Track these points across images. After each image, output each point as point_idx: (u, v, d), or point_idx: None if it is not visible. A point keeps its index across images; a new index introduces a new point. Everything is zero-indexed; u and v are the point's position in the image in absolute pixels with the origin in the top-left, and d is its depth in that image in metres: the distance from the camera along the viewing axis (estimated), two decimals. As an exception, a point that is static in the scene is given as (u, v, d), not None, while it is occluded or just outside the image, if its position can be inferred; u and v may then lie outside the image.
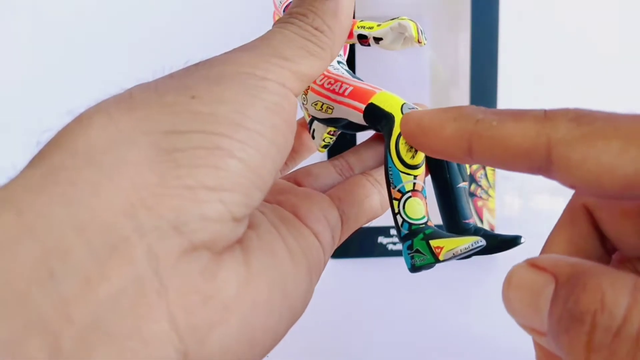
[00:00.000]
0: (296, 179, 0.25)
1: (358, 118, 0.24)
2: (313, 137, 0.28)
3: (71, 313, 0.14)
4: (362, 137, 0.48)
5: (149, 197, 0.15)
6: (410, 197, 0.21)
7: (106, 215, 0.15)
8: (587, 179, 0.15)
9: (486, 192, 0.51)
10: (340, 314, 0.43)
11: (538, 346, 0.19)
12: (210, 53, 0.20)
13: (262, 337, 0.17)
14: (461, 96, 0.51)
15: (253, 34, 0.21)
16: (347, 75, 0.25)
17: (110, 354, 0.14)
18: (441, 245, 0.20)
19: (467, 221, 0.23)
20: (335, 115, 0.25)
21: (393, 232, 0.51)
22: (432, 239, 0.20)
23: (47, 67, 0.54)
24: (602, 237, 0.19)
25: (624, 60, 0.57)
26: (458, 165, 0.24)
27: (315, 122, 0.27)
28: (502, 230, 0.50)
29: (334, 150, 0.30)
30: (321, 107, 0.25)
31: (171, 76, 0.18)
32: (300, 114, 0.28)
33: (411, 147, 0.21)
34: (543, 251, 0.20)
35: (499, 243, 0.22)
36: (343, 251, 0.49)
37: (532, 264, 0.15)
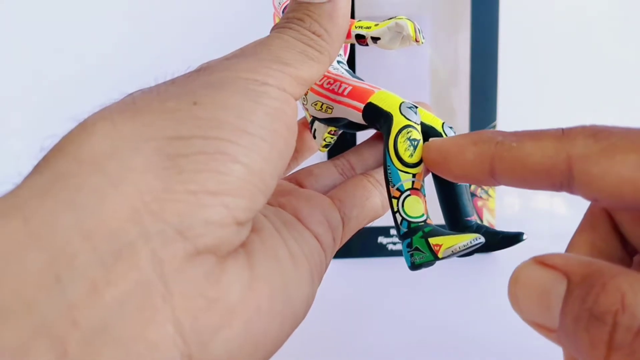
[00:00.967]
0: (298, 180, 0.25)
1: (357, 117, 0.24)
2: (314, 137, 0.28)
3: (77, 318, 0.14)
4: (362, 136, 0.48)
5: (153, 202, 0.15)
6: (409, 195, 0.21)
7: (111, 221, 0.15)
8: (608, 192, 0.16)
9: (486, 192, 0.52)
10: (340, 314, 0.43)
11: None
12: (212, 58, 0.21)
13: (264, 341, 0.17)
14: (461, 96, 0.51)
15: (253, 38, 0.21)
16: (346, 75, 0.26)
17: (116, 358, 0.14)
18: (440, 243, 0.20)
19: (468, 219, 0.23)
20: (335, 115, 0.25)
21: (393, 232, 0.51)
22: (431, 236, 0.20)
23: (50, 73, 0.54)
24: (623, 240, 0.19)
25: (624, 60, 0.57)
26: None
27: (316, 122, 0.27)
28: (502, 229, 0.50)
29: (335, 150, 0.30)
30: (321, 107, 0.25)
31: (173, 82, 0.18)
32: (302, 114, 0.28)
33: (410, 146, 0.21)
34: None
35: (500, 240, 0.22)
36: (343, 251, 0.49)
37: (540, 261, 0.16)
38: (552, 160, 0.17)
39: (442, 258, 0.20)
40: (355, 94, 0.24)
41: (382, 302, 0.45)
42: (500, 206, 0.54)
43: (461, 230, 0.23)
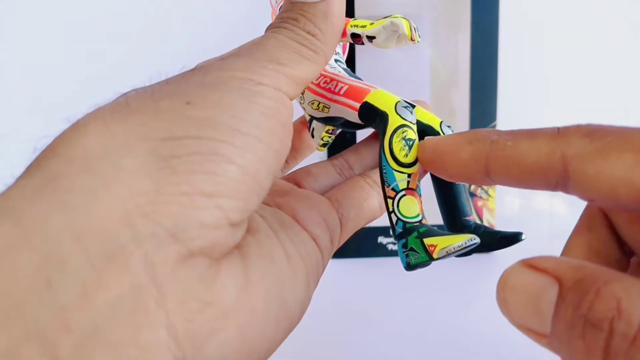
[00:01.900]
0: (295, 179, 0.25)
1: (354, 117, 0.24)
2: (313, 136, 0.28)
3: (69, 321, 0.14)
4: (362, 135, 0.48)
5: (145, 204, 0.15)
6: (404, 195, 0.21)
7: (103, 223, 0.15)
8: (603, 192, 0.16)
9: (486, 192, 0.51)
10: (340, 314, 0.43)
11: None
12: (207, 57, 0.20)
13: (259, 345, 0.17)
14: (461, 96, 0.50)
15: (251, 37, 0.21)
16: (344, 74, 0.25)
17: None
18: (435, 244, 0.20)
19: (467, 218, 0.23)
20: (331, 114, 0.25)
21: (390, 228, 0.51)
22: (425, 237, 0.20)
23: (45, 74, 0.54)
24: (620, 241, 0.19)
25: (624, 60, 0.57)
26: None
27: (314, 121, 0.27)
28: (501, 229, 0.50)
29: (335, 149, 0.30)
30: (318, 106, 0.25)
31: (167, 82, 0.18)
32: (301, 112, 0.28)
33: (405, 145, 0.21)
34: (562, 256, 0.20)
35: (499, 240, 0.22)
36: (343, 251, 0.49)
37: (529, 264, 0.16)
38: (547, 160, 0.16)
39: (437, 259, 0.20)
40: (352, 93, 0.24)
41: (381, 302, 0.45)
42: (500, 206, 0.54)
43: (459, 230, 0.23)
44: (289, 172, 0.26)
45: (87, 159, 0.15)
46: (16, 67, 0.55)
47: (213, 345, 0.16)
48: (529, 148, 0.17)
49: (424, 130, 0.23)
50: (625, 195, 0.15)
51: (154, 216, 0.15)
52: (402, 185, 0.21)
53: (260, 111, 0.18)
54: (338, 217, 0.23)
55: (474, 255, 0.21)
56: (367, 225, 0.25)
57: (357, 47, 0.49)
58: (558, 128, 0.17)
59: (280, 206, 0.21)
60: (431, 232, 0.20)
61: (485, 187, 0.52)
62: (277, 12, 0.26)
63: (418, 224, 0.21)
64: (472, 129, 0.19)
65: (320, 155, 0.49)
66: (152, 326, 0.15)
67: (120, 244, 0.15)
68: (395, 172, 0.21)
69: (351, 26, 0.23)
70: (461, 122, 0.51)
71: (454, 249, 0.19)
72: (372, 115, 0.23)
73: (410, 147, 0.21)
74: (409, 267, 0.21)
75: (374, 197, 0.24)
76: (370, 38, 0.23)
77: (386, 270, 0.49)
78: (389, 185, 0.21)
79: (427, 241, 0.20)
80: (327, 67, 0.26)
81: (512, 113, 0.52)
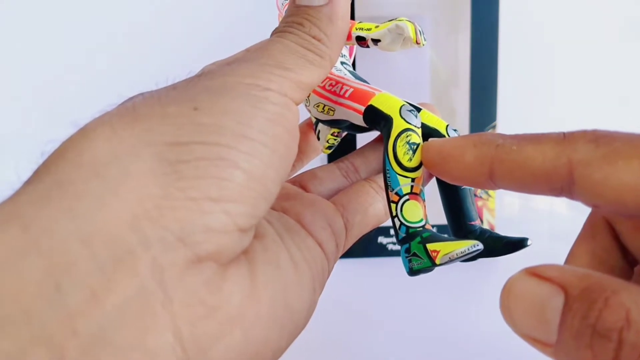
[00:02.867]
0: (301, 183, 0.25)
1: (358, 120, 0.24)
2: (318, 138, 0.28)
3: (76, 325, 0.14)
4: (361, 137, 0.48)
5: (153, 209, 0.15)
6: (407, 200, 0.21)
7: (111, 228, 0.15)
8: (609, 199, 0.16)
9: (486, 192, 0.52)
10: (340, 314, 0.43)
11: None
12: (210, 58, 0.20)
13: (264, 351, 0.17)
14: (461, 96, 0.50)
15: (257, 40, 0.21)
16: (349, 76, 0.25)
17: None
18: (438, 249, 0.20)
19: (472, 223, 0.23)
20: (336, 117, 0.25)
21: (393, 232, 0.51)
22: (429, 242, 0.20)
23: (51, 78, 0.54)
24: (624, 250, 0.19)
25: (624, 60, 0.57)
26: None
27: (320, 123, 0.27)
28: (501, 230, 0.50)
29: (335, 151, 0.30)
30: (323, 108, 0.25)
31: (174, 87, 0.18)
32: (307, 115, 0.28)
33: (409, 150, 0.21)
34: (566, 264, 0.20)
35: (504, 245, 0.22)
36: (343, 251, 0.49)
37: (534, 273, 0.15)
38: (553, 165, 0.16)
39: (440, 264, 0.20)
40: (357, 96, 0.24)
41: (382, 302, 0.45)
42: (500, 206, 0.54)
43: (465, 235, 0.23)
44: (295, 174, 0.26)
45: (95, 164, 0.15)
46: (16, 67, 0.55)
47: (218, 350, 0.16)
48: (534, 152, 0.17)
49: (430, 134, 0.23)
50: (632, 202, 0.15)
51: (161, 221, 0.15)
52: (406, 189, 0.21)
53: (266, 117, 0.18)
54: (343, 222, 0.23)
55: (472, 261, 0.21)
56: (369, 227, 0.25)
57: (357, 49, 0.49)
58: (564, 133, 0.17)
59: (285, 210, 0.21)
60: (434, 237, 0.20)
61: (485, 187, 0.52)
62: (283, 13, 0.26)
63: (421, 229, 0.21)
64: (477, 132, 0.19)
65: (321, 157, 0.49)
66: (158, 330, 0.15)
67: (128, 248, 0.15)
68: (398, 177, 0.21)
69: (356, 29, 0.23)
70: (461, 122, 0.51)
71: (457, 255, 0.19)
72: (377, 119, 0.23)
73: (414, 152, 0.21)
74: (412, 272, 0.21)
75: (379, 202, 0.24)
76: (376, 41, 0.23)
77: (386, 270, 0.49)
78: (393, 190, 0.21)
79: (430, 247, 0.20)
80: (333, 70, 0.26)
81: (512, 113, 0.52)
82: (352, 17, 0.24)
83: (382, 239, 0.52)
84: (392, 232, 0.51)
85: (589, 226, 0.19)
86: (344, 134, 0.28)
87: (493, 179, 0.18)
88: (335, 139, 0.28)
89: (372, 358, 0.38)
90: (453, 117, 0.51)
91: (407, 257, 0.21)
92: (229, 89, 0.18)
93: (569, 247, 0.21)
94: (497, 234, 0.22)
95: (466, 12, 0.49)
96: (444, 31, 0.50)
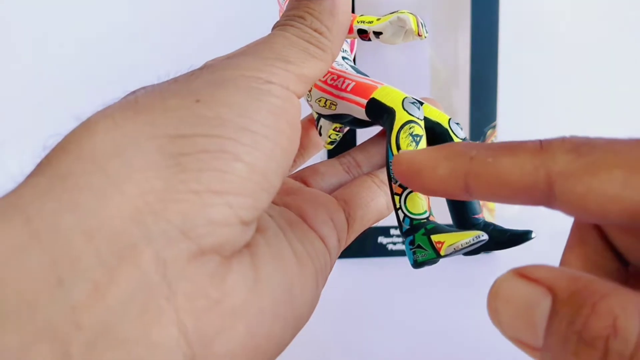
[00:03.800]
0: (303, 178, 0.25)
1: (361, 113, 0.24)
2: (320, 134, 0.28)
3: (80, 319, 0.14)
4: (361, 132, 0.48)
5: (155, 202, 0.15)
6: (411, 192, 0.21)
7: (114, 221, 0.15)
8: (592, 211, 0.15)
9: (486, 192, 0.52)
10: (340, 314, 0.43)
11: None
12: (210, 56, 0.20)
13: (267, 344, 0.17)
14: (461, 96, 0.51)
15: (258, 35, 0.21)
16: (350, 70, 0.25)
17: None
18: (442, 240, 0.20)
19: (476, 216, 0.23)
20: (338, 111, 0.25)
21: (393, 232, 0.51)
22: (433, 233, 0.20)
23: (54, 72, 0.54)
24: (617, 250, 0.18)
25: (624, 60, 0.57)
26: None
27: (322, 118, 0.27)
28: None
29: (336, 146, 0.30)
30: (325, 103, 0.25)
31: (175, 80, 0.18)
32: (308, 110, 0.28)
33: (412, 141, 0.21)
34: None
35: (508, 238, 0.21)
36: (343, 251, 0.49)
37: (522, 274, 0.15)
38: (531, 178, 0.16)
39: (445, 256, 0.20)
40: (359, 89, 0.24)
41: (381, 302, 0.45)
42: (500, 206, 0.54)
43: (468, 228, 0.23)
44: (297, 170, 0.26)
45: (97, 157, 0.15)
46: (17, 67, 0.55)
47: (221, 343, 0.16)
48: (511, 165, 0.16)
49: (432, 128, 0.23)
50: (616, 213, 0.14)
51: (164, 214, 0.15)
52: None
53: (268, 110, 0.18)
54: (345, 216, 0.23)
55: (476, 255, 0.21)
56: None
57: (357, 48, 0.49)
58: (540, 142, 0.16)
59: (288, 205, 0.21)
60: (439, 228, 0.20)
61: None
62: (284, 8, 0.26)
63: (425, 220, 0.21)
64: (448, 143, 0.18)
65: (321, 154, 0.49)
66: (162, 324, 0.15)
67: (130, 242, 0.15)
68: None
69: (357, 22, 0.23)
70: (461, 122, 0.51)
71: (462, 245, 0.19)
72: (379, 112, 0.23)
73: (417, 143, 0.21)
74: (416, 264, 0.21)
75: (381, 196, 0.24)
76: (377, 34, 0.23)
77: (386, 270, 0.49)
78: (396, 182, 0.21)
79: (435, 238, 0.20)
80: (335, 64, 0.26)
81: (512, 113, 0.52)
82: (351, 12, 0.24)
83: (382, 239, 0.52)
84: (392, 232, 0.51)
85: (577, 230, 0.19)
86: (346, 129, 0.28)
87: (469, 192, 0.17)
88: (337, 134, 0.28)
89: (372, 358, 0.38)
90: (453, 116, 0.50)
91: (411, 249, 0.21)
92: (231, 81, 0.18)
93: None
94: (500, 226, 0.22)
95: (466, 12, 0.49)
96: (444, 31, 0.50)
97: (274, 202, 0.21)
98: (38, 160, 0.16)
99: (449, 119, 0.23)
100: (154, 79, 0.19)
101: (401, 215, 0.21)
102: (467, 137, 0.24)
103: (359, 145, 0.28)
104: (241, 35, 0.24)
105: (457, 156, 0.17)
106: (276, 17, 0.24)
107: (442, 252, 0.20)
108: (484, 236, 0.19)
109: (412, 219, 0.21)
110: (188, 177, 0.16)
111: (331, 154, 0.48)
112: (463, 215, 0.23)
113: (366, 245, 0.51)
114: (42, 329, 0.13)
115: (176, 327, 0.15)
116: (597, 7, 0.56)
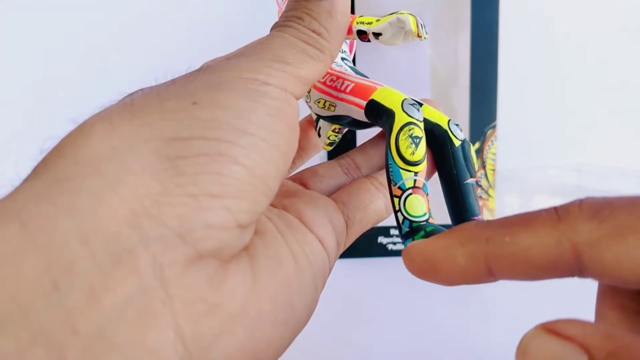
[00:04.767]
0: (302, 180, 0.25)
1: (360, 115, 0.23)
2: (319, 135, 0.28)
3: (76, 324, 0.13)
4: (361, 134, 0.48)
5: (152, 206, 0.15)
6: (410, 194, 0.21)
7: (110, 225, 0.14)
8: (625, 277, 0.14)
9: (486, 192, 0.51)
10: (340, 314, 0.43)
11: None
12: (209, 56, 0.20)
13: (266, 348, 0.17)
14: (461, 96, 0.50)
15: (256, 36, 0.21)
16: (350, 72, 0.25)
17: None
18: None
19: (475, 218, 0.23)
20: (338, 112, 0.24)
21: (393, 232, 0.51)
22: (432, 236, 0.20)
23: (51, 75, 0.54)
24: None
25: (623, 61, 0.57)
26: (465, 161, 0.23)
27: (321, 119, 0.27)
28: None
29: (335, 148, 0.29)
30: (324, 104, 0.25)
31: (173, 82, 0.18)
32: (307, 111, 0.27)
33: (412, 143, 0.21)
34: (597, 322, 0.18)
35: None
36: (343, 251, 0.49)
37: (552, 330, 0.14)
38: (556, 252, 0.15)
39: None
40: (358, 91, 0.24)
41: (381, 303, 0.45)
42: (500, 206, 0.54)
43: None
44: (295, 172, 0.26)
45: (94, 160, 0.15)
46: (17, 67, 0.55)
47: (220, 348, 0.16)
48: (531, 242, 0.15)
49: (432, 129, 0.23)
50: None
51: (160, 218, 0.15)
52: (409, 183, 0.21)
53: (266, 112, 0.18)
54: (344, 218, 0.23)
55: None
56: (369, 226, 0.25)
57: (357, 49, 0.49)
58: (555, 209, 0.15)
59: (286, 207, 0.21)
60: (438, 231, 0.20)
61: (485, 187, 0.52)
62: (283, 9, 0.26)
63: (425, 223, 0.21)
64: (458, 225, 0.17)
65: (321, 154, 0.48)
66: (160, 329, 0.14)
67: (127, 246, 0.14)
68: (401, 171, 0.21)
69: (357, 23, 0.23)
70: (461, 122, 0.51)
71: None
72: (379, 113, 0.22)
73: (417, 145, 0.21)
74: None
75: (380, 199, 0.24)
76: (377, 35, 0.23)
77: (386, 270, 0.49)
78: (396, 184, 0.21)
79: None
80: (334, 65, 0.25)
81: (512, 113, 0.52)
82: (350, 13, 0.24)
83: (382, 239, 0.52)
84: (392, 232, 0.51)
85: None
86: (345, 130, 0.28)
87: (493, 275, 0.16)
88: (336, 136, 0.28)
89: (372, 358, 0.38)
90: (453, 116, 0.51)
91: None
92: (229, 83, 0.18)
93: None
94: None
95: (466, 12, 0.49)
96: (444, 31, 0.50)
97: (272, 205, 0.21)
98: (35, 164, 0.16)
99: (449, 120, 0.23)
100: (152, 81, 0.18)
101: (400, 218, 0.21)
102: (467, 138, 0.24)
103: (359, 146, 0.28)
104: (240, 36, 0.24)
105: (471, 241, 0.16)
106: (275, 18, 0.24)
107: None
108: None
109: (411, 222, 0.21)
110: (185, 180, 0.16)
111: (331, 155, 0.48)
112: (463, 218, 0.23)
113: (366, 245, 0.51)
114: (38, 334, 0.13)
115: (173, 331, 0.15)
116: (597, 7, 0.56)
